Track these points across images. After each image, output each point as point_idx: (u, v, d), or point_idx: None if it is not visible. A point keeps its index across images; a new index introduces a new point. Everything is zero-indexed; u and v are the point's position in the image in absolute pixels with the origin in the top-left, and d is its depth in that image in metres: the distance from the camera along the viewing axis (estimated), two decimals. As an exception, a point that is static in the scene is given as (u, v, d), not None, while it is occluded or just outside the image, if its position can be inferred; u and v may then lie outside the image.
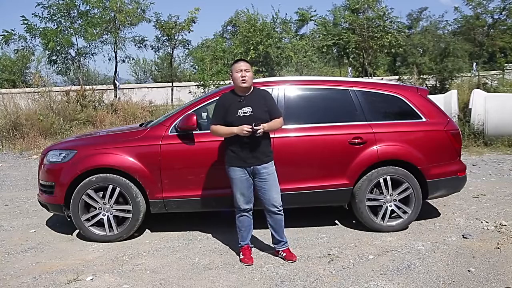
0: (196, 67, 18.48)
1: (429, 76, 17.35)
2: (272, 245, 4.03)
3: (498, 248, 4.06)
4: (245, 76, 3.66)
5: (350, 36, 19.92)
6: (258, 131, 3.58)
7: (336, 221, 4.90)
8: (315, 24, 23.20)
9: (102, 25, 15.13)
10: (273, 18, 18.82)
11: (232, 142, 3.73)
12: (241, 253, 3.94)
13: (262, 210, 3.90)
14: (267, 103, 3.78)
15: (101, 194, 4.38)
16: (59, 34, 14.49)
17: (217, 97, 4.56)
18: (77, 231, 4.60)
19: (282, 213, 3.85)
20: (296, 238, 4.39)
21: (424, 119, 4.62)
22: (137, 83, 29.89)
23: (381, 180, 4.45)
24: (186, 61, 26.36)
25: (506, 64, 19.68)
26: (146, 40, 17.57)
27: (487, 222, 4.75)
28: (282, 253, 3.93)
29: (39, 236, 4.73)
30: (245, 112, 3.67)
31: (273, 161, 3.83)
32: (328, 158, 4.43)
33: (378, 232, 4.49)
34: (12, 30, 14.57)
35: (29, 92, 12.67)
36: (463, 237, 4.36)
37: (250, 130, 3.57)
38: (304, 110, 4.58)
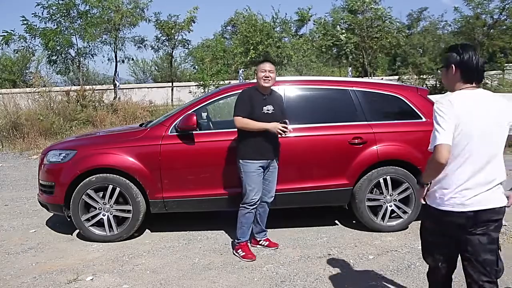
0: (196, 67, 18.52)
1: (429, 76, 17.34)
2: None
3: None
4: (268, 77, 3.82)
5: (349, 36, 19.91)
6: (287, 130, 3.72)
7: (336, 221, 4.90)
8: (313, 24, 23.24)
9: (102, 25, 15.14)
10: (273, 18, 18.86)
11: (255, 136, 3.80)
12: (240, 250, 3.95)
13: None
14: (282, 105, 4.05)
15: (101, 194, 4.38)
16: (59, 34, 14.49)
17: (217, 97, 4.61)
18: (77, 231, 4.60)
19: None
20: (296, 238, 4.39)
21: (424, 119, 4.61)
22: (137, 83, 29.87)
23: (381, 180, 4.45)
24: (186, 61, 26.42)
25: (506, 64, 19.66)
26: (146, 40, 17.61)
27: (487, 222, 4.74)
28: (264, 242, 4.13)
29: (39, 236, 4.73)
30: (268, 110, 3.85)
31: None
32: (328, 158, 4.43)
33: (378, 232, 4.49)
34: (12, 30, 14.59)
35: (29, 92, 12.67)
36: (463, 237, 4.35)
37: (285, 130, 3.71)
38: (304, 110, 4.58)
